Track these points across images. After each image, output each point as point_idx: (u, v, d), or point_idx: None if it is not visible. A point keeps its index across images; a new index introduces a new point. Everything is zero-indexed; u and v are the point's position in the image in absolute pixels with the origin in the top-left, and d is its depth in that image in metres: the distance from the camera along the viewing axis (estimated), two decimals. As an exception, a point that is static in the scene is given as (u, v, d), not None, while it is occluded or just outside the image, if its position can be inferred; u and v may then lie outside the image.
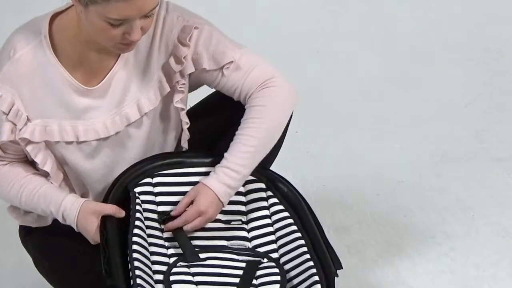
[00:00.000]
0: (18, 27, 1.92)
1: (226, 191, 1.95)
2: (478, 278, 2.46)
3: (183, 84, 1.99)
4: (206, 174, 2.00)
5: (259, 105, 1.97)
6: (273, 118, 1.98)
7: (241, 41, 2.02)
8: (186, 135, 2.06)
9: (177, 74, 1.97)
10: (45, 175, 1.98)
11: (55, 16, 1.90)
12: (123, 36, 1.81)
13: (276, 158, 2.12)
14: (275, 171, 2.08)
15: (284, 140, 2.10)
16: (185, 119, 2.03)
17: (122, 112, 1.96)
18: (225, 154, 1.96)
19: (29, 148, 1.93)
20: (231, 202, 1.99)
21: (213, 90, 2.09)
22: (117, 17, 1.76)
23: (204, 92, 2.12)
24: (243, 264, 1.92)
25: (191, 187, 1.99)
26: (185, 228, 1.94)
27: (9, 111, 1.88)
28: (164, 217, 1.96)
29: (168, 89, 1.98)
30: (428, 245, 2.60)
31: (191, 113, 2.07)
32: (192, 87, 2.07)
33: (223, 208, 1.98)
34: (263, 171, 2.04)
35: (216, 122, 2.10)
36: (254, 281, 1.89)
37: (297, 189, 2.02)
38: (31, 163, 2.00)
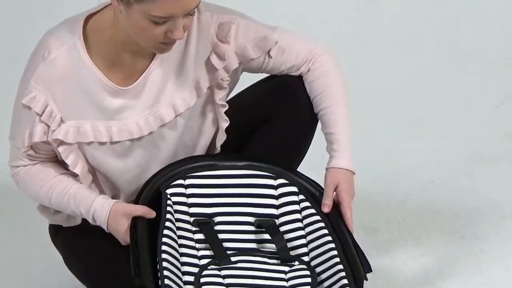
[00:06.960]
0: (51, 28, 1.92)
1: (351, 161, 2.01)
2: (508, 280, 2.44)
3: (227, 80, 1.99)
4: (238, 177, 2.01)
5: (319, 77, 2.04)
6: (338, 79, 2.05)
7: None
8: (222, 135, 2.05)
9: (221, 70, 1.97)
10: (75, 175, 1.98)
11: (89, 17, 1.90)
12: (165, 35, 1.81)
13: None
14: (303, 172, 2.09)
15: (316, 141, 2.12)
16: (225, 117, 2.03)
17: (156, 112, 1.96)
18: (329, 131, 2.02)
19: (61, 149, 1.93)
20: (263, 206, 2.00)
21: (235, 93, 2.12)
22: (161, 15, 1.76)
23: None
24: (274, 267, 1.92)
25: (223, 189, 2.00)
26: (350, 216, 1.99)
27: (43, 112, 1.88)
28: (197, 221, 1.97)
29: (205, 90, 1.98)
30: (457, 245, 2.58)
31: None
32: (233, 83, 2.07)
33: (253, 211, 2.00)
34: (294, 174, 2.05)
35: (243, 123, 2.09)
36: (285, 284, 1.89)
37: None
38: (61, 163, 2.00)
